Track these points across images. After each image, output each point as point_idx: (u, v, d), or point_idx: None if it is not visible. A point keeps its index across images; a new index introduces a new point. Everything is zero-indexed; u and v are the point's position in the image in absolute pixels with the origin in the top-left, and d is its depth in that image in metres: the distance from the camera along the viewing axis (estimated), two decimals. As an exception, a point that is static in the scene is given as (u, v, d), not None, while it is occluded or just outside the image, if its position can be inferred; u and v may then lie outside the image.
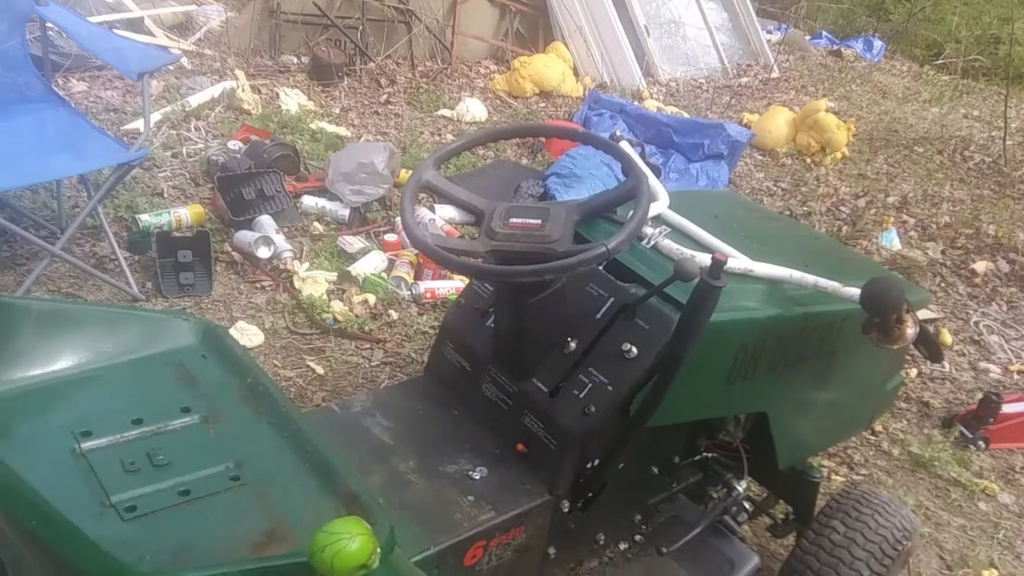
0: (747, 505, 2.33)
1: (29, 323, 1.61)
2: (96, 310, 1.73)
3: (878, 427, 3.50)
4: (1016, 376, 4.18)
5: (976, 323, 4.51)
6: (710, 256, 1.89)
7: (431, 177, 1.86)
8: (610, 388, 1.86)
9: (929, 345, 2.10)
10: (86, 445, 1.51)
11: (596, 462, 1.95)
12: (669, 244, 1.99)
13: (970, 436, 3.64)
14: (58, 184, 3.77)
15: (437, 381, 2.18)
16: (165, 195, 4.19)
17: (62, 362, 1.64)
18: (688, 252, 1.94)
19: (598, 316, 1.93)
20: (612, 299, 1.93)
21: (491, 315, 2.09)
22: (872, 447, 3.56)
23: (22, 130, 3.41)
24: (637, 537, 2.29)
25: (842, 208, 5.35)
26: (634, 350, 1.85)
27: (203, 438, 1.60)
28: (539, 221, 1.74)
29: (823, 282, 1.96)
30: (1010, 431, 3.66)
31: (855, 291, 1.89)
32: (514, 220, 1.75)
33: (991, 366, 4.24)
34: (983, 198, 5.75)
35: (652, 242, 2.00)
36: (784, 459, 2.34)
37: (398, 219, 4.22)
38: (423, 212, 4.29)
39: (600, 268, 1.98)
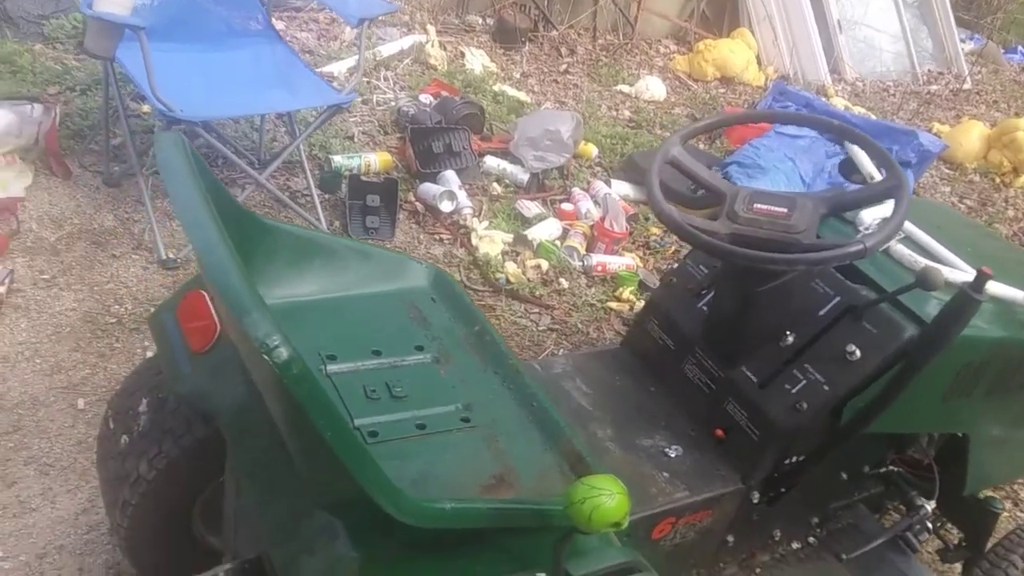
0: (930, 525, 2.27)
1: (289, 246, 1.71)
2: (343, 243, 1.83)
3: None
4: None
5: None
6: (947, 268, 1.84)
7: (677, 153, 1.86)
8: (826, 388, 1.84)
9: None
10: (331, 368, 1.60)
11: (795, 459, 1.93)
12: (903, 250, 1.94)
13: None
14: (262, 117, 3.95)
15: (636, 355, 2.20)
16: (355, 140, 4.33)
17: (311, 286, 1.74)
18: (923, 261, 1.89)
19: (821, 313, 1.90)
20: (838, 298, 1.90)
21: (703, 297, 2.09)
22: (1043, 487, 3.40)
23: (241, 62, 3.58)
24: (811, 539, 2.27)
25: (1030, 235, 5.08)
26: (858, 353, 1.82)
27: (435, 377, 1.67)
28: (785, 210, 1.72)
29: (1058, 309, 1.88)
30: None
31: None
32: (759, 206, 1.73)
33: None
34: None
35: (884, 246, 1.95)
36: (973, 485, 2.27)
37: (575, 189, 4.24)
38: (599, 185, 4.30)
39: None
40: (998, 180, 5.67)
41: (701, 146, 5.13)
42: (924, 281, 1.65)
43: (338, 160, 3.98)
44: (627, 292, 3.71)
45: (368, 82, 4.87)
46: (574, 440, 1.59)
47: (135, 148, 3.44)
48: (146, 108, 3.96)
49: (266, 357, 1.05)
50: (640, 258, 4.01)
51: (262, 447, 1.58)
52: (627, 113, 5.44)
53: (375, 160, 4.03)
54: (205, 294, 1.73)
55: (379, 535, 1.40)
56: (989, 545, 2.39)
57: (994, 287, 1.89)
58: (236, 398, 1.65)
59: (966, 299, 1.60)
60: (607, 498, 1.19)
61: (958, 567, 2.55)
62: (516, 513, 1.35)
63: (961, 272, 1.91)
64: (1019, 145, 5.56)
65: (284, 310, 1.67)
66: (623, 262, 3.87)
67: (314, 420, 1.09)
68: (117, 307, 3.07)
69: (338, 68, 4.82)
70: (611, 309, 3.65)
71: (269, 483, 1.58)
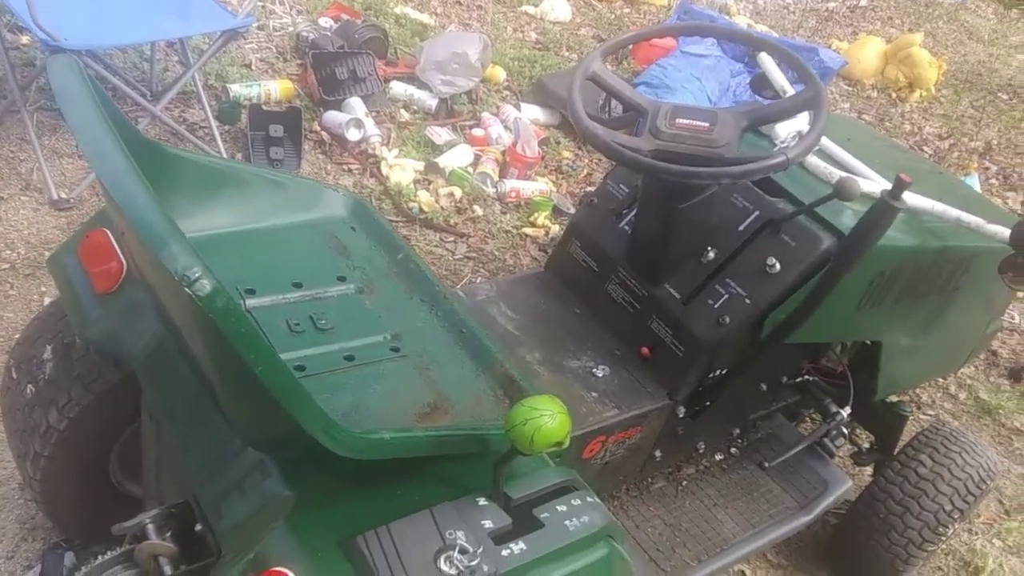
0: (845, 430, 2.35)
1: (196, 177, 1.62)
2: (254, 171, 1.74)
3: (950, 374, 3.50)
4: (1087, 335, 4.15)
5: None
6: (862, 179, 1.87)
7: (598, 69, 1.82)
8: (747, 301, 1.86)
9: (1060, 292, 2.08)
10: (251, 302, 1.54)
11: (719, 372, 1.96)
12: (818, 163, 1.96)
13: (1038, 389, 3.65)
14: (152, 46, 3.74)
15: (560, 278, 2.19)
16: (253, 68, 4.14)
17: (222, 218, 1.66)
18: (838, 173, 1.92)
19: (741, 228, 1.92)
20: (757, 212, 1.91)
21: (626, 216, 2.08)
22: (940, 389, 3.58)
23: (127, -14, 3.36)
24: (733, 450, 2.33)
25: (925, 148, 5.24)
26: (778, 265, 1.85)
27: (360, 307, 1.62)
28: (707, 124, 1.71)
29: (967, 216, 1.94)
30: (1079, 388, 3.66)
31: (1000, 228, 1.87)
32: (681, 121, 1.72)
33: (1062, 322, 4.20)
34: (1069, 153, 5.62)
35: (801, 160, 1.97)
36: (884, 390, 2.36)
37: (485, 114, 4.17)
38: (509, 110, 4.24)
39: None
40: (895, 95, 5.82)
41: (609, 67, 5.09)
42: (841, 192, 1.67)
43: (236, 89, 3.80)
44: (542, 217, 3.69)
45: (263, 6, 4.65)
46: (506, 364, 1.57)
47: (17, 83, 3.21)
48: (26, 39, 3.70)
49: (188, 290, 0.99)
50: (553, 182, 3.98)
51: (181, 388, 1.52)
52: (533, 35, 5.35)
53: (275, 88, 3.87)
54: (108, 232, 1.64)
55: (313, 470, 1.37)
56: (899, 447, 2.50)
57: (906, 197, 1.93)
58: (149, 339, 1.58)
59: (885, 206, 1.63)
60: (548, 418, 1.18)
61: (870, 470, 2.66)
62: (455, 439, 1.34)
63: (875, 182, 1.95)
64: (914, 60, 5.70)
65: (195, 244, 1.58)
66: (537, 187, 3.84)
67: (243, 354, 1.03)
68: (8, 252, 2.90)
69: (230, -8, 4.58)
70: (527, 235, 3.64)
71: (191, 424, 1.52)
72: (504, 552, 1.30)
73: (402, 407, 1.45)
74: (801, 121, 2.05)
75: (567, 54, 5.14)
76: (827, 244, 1.82)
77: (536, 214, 3.70)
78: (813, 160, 1.97)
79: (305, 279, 1.62)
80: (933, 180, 2.43)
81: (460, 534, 1.29)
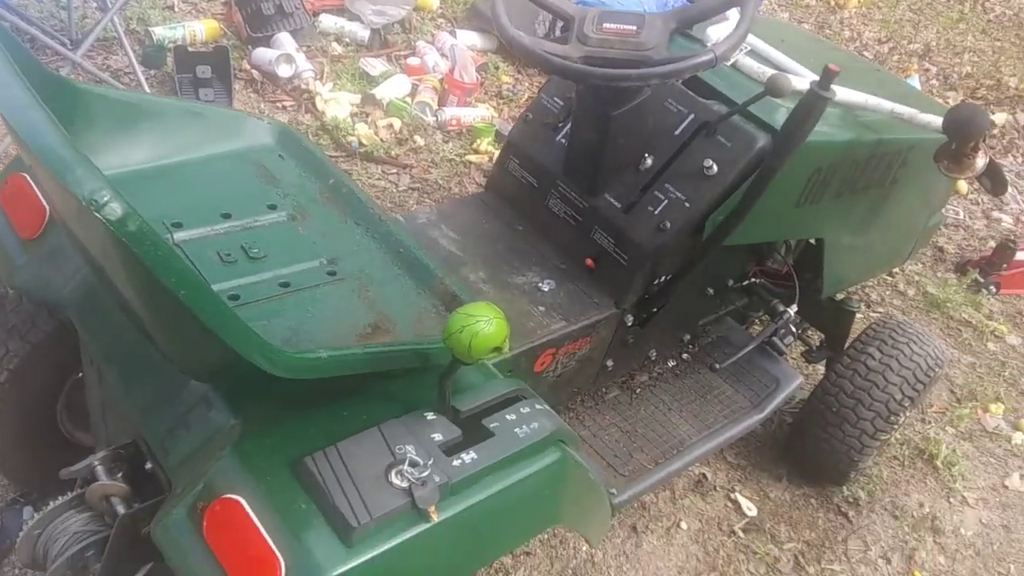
0: (794, 329, 2.38)
1: (108, 112, 1.56)
2: (172, 103, 1.69)
3: (896, 268, 3.56)
4: (1028, 226, 4.24)
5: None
6: (794, 76, 1.85)
7: (520, -24, 1.78)
8: (687, 205, 1.86)
9: (995, 177, 2.10)
10: (179, 236, 1.50)
11: (664, 279, 1.97)
12: (750, 62, 1.95)
13: (982, 281, 3.73)
14: (68, -9, 3.59)
15: (500, 197, 2.17)
16: (176, 9, 4.01)
17: (141, 153, 1.61)
18: (770, 71, 1.90)
19: (677, 132, 1.90)
20: (692, 115, 1.90)
21: (562, 130, 2.06)
22: (889, 287, 3.64)
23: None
24: (685, 355, 2.35)
25: (866, 53, 5.25)
26: (715, 167, 1.84)
27: (293, 234, 1.59)
28: (635, 27, 1.68)
29: (900, 108, 1.94)
30: (1020, 278, 3.75)
31: (934, 118, 1.88)
32: (608, 25, 1.69)
33: (1004, 216, 4.29)
34: (1004, 50, 5.66)
35: (732, 59, 1.95)
36: (830, 288, 2.39)
37: (420, 42, 4.08)
38: (445, 37, 4.15)
39: (680, 83, 1.93)
40: (833, 2, 5.80)
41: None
42: (773, 88, 1.66)
43: (160, 32, 3.67)
44: (484, 144, 3.65)
45: (183, -55, 4.48)
46: (446, 280, 1.56)
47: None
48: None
49: (98, 215, 0.95)
50: (495, 108, 3.93)
51: (115, 328, 1.49)
52: (467, -42, 5.23)
53: (201, 29, 3.75)
54: (27, 176, 1.58)
55: (258, 397, 1.35)
56: (849, 343, 2.54)
57: (840, 92, 1.93)
58: (79, 282, 1.54)
59: (815, 97, 1.62)
60: (484, 324, 1.17)
61: (822, 367, 2.71)
62: (395, 355, 1.32)
63: (807, 79, 1.94)
64: (849, -35, 5.68)
65: (115, 181, 1.53)
66: (477, 114, 3.79)
67: (163, 280, 1.00)
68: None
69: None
70: (470, 162, 3.59)
71: (131, 364, 1.50)
72: (455, 462, 1.30)
73: (342, 329, 1.43)
74: (734, 24, 2.03)
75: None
76: (762, 142, 1.81)
77: (478, 141, 3.65)
78: (746, 60, 1.95)
79: (234, 209, 1.58)
80: (869, 76, 2.43)
81: (410, 448, 1.29)
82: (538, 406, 1.45)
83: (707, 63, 1.62)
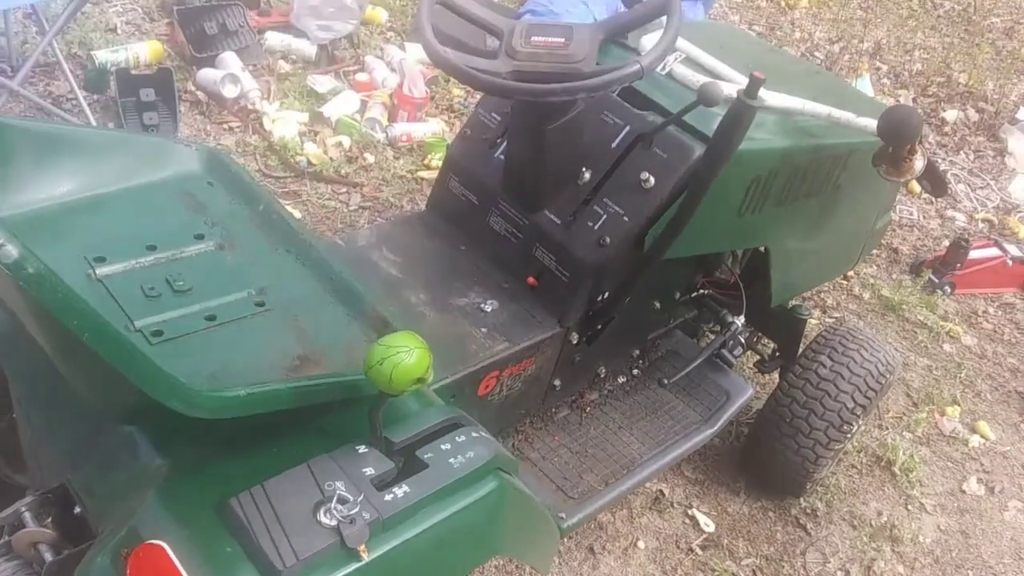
0: (742, 340, 2.37)
1: (28, 145, 1.51)
2: (95, 133, 1.64)
3: (850, 272, 3.57)
4: (981, 224, 4.27)
5: (945, 172, 4.55)
6: (729, 84, 1.84)
7: (447, -8, 1.76)
8: (626, 219, 1.84)
9: (934, 178, 2.10)
10: (101, 271, 1.46)
11: (607, 295, 1.94)
12: (685, 71, 1.94)
13: (937, 281, 3.74)
14: (5, 17, 3.52)
15: (441, 216, 2.14)
16: (119, 31, 3.94)
17: (64, 186, 1.56)
18: (704, 79, 1.89)
19: (613, 145, 1.88)
20: (628, 127, 1.88)
21: (500, 146, 2.03)
22: (844, 291, 3.65)
23: (-36, -47, 3.14)
24: (635, 371, 2.33)
25: (816, 54, 5.28)
26: (652, 180, 1.82)
27: (221, 265, 1.55)
28: (563, 40, 1.66)
29: (837, 113, 1.94)
30: (975, 276, 3.77)
31: (871, 121, 1.87)
32: (536, 39, 1.67)
33: (957, 214, 4.32)
34: (953, 46, 5.72)
35: (667, 68, 1.94)
36: (778, 296, 2.38)
37: (368, 57, 4.05)
38: (393, 51, 4.12)
39: (615, 95, 1.92)
40: (783, 3, 5.84)
41: None
42: (705, 97, 1.65)
43: (102, 55, 3.61)
44: (436, 159, 3.61)
45: (124, -35, 4.42)
46: (377, 306, 1.52)
47: None
48: None
49: None
50: (446, 122, 3.90)
51: (39, 369, 1.44)
52: (414, -27, 5.21)
53: (144, 51, 3.68)
54: None
55: (185, 436, 1.31)
56: (801, 352, 2.52)
57: (774, 98, 1.92)
58: (1, 321, 1.49)
59: (742, 106, 1.61)
60: (405, 355, 1.14)
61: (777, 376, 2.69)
62: (321, 388, 1.29)
63: (741, 86, 1.93)
64: (799, -33, 5.73)
65: (35, 217, 1.49)
66: (428, 128, 3.76)
67: (65, 322, 0.96)
68: None
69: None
70: (423, 178, 3.56)
71: (56, 405, 1.45)
72: (387, 497, 1.26)
73: (271, 362, 1.39)
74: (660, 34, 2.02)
75: (451, -10, 5.01)
76: (698, 152, 1.80)
77: (430, 156, 3.62)
78: (680, 68, 1.94)
79: (160, 241, 1.53)
80: (809, 80, 2.43)
81: (339, 484, 1.25)
82: (474, 434, 1.42)
83: (633, 75, 1.60)
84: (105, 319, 1.02)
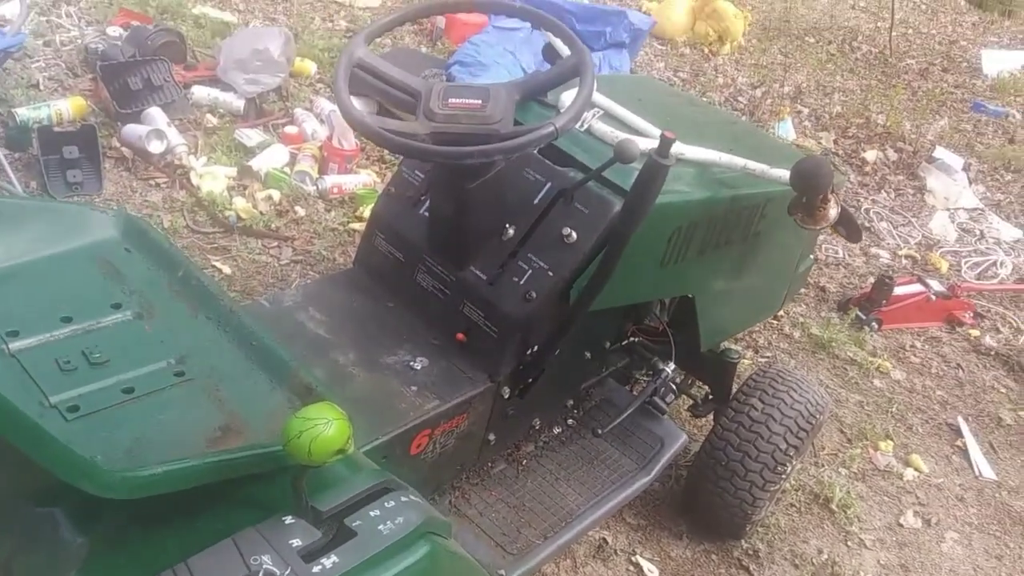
0: (674, 386, 2.40)
1: (-67, 217, 1.47)
2: (6, 202, 1.60)
3: (780, 312, 3.64)
4: (904, 260, 4.41)
5: (867, 211, 4.70)
6: (645, 139, 1.88)
7: (363, 55, 1.76)
8: (550, 273, 1.86)
9: (849, 225, 2.17)
10: (15, 345, 1.42)
11: (536, 348, 1.95)
12: (603, 127, 1.97)
13: (864, 318, 3.83)
14: (-80, 75, 3.44)
15: (368, 273, 2.13)
16: (41, 87, 3.88)
17: (-28, 259, 1.52)
18: (621, 135, 1.93)
19: (535, 201, 1.90)
20: (549, 184, 1.91)
21: (424, 203, 2.04)
22: (775, 331, 3.71)
23: None
24: (570, 421, 2.34)
25: (740, 98, 5.43)
26: (574, 234, 1.85)
27: (139, 334, 1.52)
28: (479, 101, 1.68)
29: (752, 164, 1.99)
30: (901, 312, 3.88)
31: (784, 172, 1.93)
32: (453, 100, 1.68)
33: (881, 251, 4.44)
34: (871, 88, 5.93)
35: (586, 125, 1.98)
36: (707, 341, 2.41)
37: (297, 110, 4.04)
38: (322, 103, 4.12)
39: (536, 152, 1.94)
40: (706, 50, 6.00)
41: (424, 49, 5.04)
42: (621, 155, 1.68)
43: (23, 113, 3.53)
44: (368, 210, 3.60)
45: (47, 20, 4.36)
46: (301, 372, 1.50)
47: None
48: None
49: None
50: (377, 173, 3.90)
51: None
52: (343, 23, 5.23)
53: (67, 107, 3.62)
54: None
55: (108, 512, 1.27)
56: (733, 394, 2.55)
57: (689, 151, 1.97)
58: None
59: (654, 165, 1.64)
60: (324, 426, 1.13)
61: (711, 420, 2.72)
62: (242, 461, 1.26)
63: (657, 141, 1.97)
64: (721, 14, 5.90)
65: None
66: (360, 180, 3.76)
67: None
68: None
69: (6, 8, 4.27)
70: (355, 230, 3.54)
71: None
72: (315, 569, 1.23)
73: (190, 434, 1.36)
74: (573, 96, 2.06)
75: (379, 41, 5.04)
76: (618, 207, 1.83)
77: (362, 208, 3.61)
78: (599, 125, 1.97)
79: (75, 312, 1.50)
80: (725, 130, 2.49)
81: (266, 558, 1.22)
82: (403, 498, 1.41)
83: (548, 136, 1.63)
84: (10, 400, 0.99)
